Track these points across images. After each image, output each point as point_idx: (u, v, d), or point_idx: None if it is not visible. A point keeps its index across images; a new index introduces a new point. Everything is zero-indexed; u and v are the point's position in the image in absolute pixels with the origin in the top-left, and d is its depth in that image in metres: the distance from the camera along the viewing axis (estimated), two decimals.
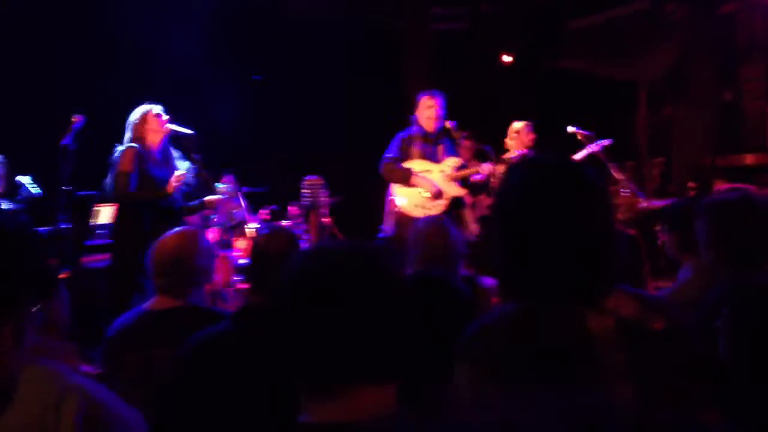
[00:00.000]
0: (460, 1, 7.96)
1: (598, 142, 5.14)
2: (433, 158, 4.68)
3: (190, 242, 2.28)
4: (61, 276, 3.98)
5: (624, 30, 7.53)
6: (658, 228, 2.68)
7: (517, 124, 5.45)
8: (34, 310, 1.14)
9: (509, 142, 5.41)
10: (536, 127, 5.47)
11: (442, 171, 4.65)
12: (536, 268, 1.18)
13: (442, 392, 1.22)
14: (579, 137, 5.22)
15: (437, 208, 4.55)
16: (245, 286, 4.70)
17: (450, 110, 4.67)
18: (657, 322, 1.14)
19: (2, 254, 1.10)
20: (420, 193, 4.61)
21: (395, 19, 7.84)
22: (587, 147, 5.14)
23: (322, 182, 6.31)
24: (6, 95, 5.37)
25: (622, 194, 5.36)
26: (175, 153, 4.10)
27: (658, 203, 5.33)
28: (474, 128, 5.38)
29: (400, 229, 4.54)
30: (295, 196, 6.29)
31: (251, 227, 5.51)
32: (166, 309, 2.21)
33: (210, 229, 5.31)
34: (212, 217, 5.15)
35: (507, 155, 5.24)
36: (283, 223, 5.86)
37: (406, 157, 4.65)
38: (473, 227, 5.09)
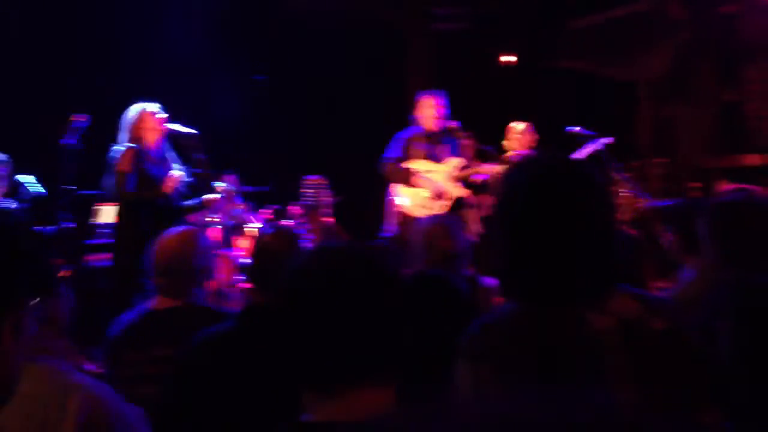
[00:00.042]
0: (461, 1, 7.96)
1: (599, 140, 5.14)
2: (436, 158, 4.67)
3: (189, 242, 2.28)
4: (63, 275, 3.99)
5: (625, 30, 7.53)
6: (661, 228, 2.68)
7: (518, 125, 5.45)
8: (34, 307, 1.14)
9: (507, 143, 5.40)
10: (537, 128, 5.46)
11: (445, 171, 4.65)
12: (537, 268, 1.18)
13: (442, 392, 1.22)
14: (580, 137, 5.22)
15: (440, 208, 4.55)
16: (247, 285, 4.70)
17: (451, 110, 4.66)
18: (658, 323, 1.14)
19: (1, 252, 1.10)
20: (422, 193, 4.61)
21: (396, 19, 7.84)
22: (588, 146, 5.14)
23: (324, 182, 6.31)
24: (8, 95, 5.38)
25: (624, 194, 5.35)
26: (170, 152, 4.08)
27: (661, 203, 5.33)
28: (474, 128, 5.38)
29: (402, 229, 4.54)
30: (296, 196, 6.29)
31: (253, 227, 5.51)
32: (166, 309, 2.21)
33: (211, 229, 5.31)
34: (213, 216, 5.15)
35: (507, 155, 5.23)
36: (285, 222, 5.86)
37: (409, 157, 4.64)
38: (476, 227, 5.08)
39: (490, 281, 2.69)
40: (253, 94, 7.26)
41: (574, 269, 1.16)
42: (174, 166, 4.04)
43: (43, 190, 4.74)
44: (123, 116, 3.98)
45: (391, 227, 4.81)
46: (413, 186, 4.59)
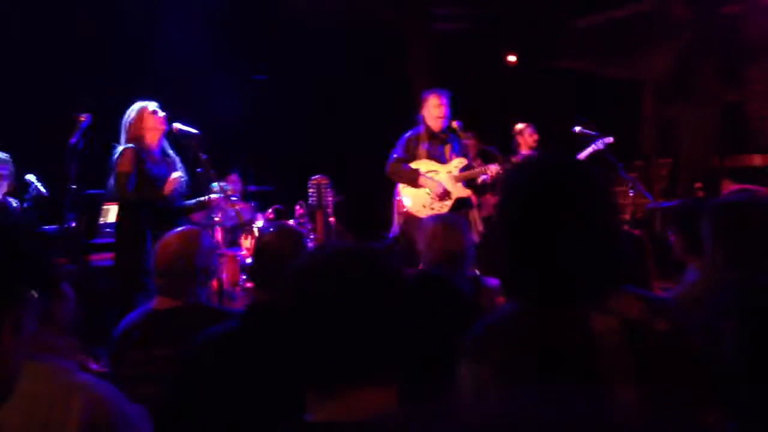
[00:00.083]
0: (462, 1, 7.95)
1: (602, 140, 5.13)
2: (441, 158, 4.66)
3: (190, 242, 2.28)
4: (66, 274, 3.99)
5: (629, 30, 7.52)
6: (664, 228, 2.68)
7: (520, 126, 5.46)
8: (34, 305, 1.14)
9: (515, 143, 5.41)
10: (540, 128, 5.46)
11: (449, 172, 4.64)
12: (539, 269, 1.17)
13: (443, 392, 1.22)
14: (583, 137, 5.22)
15: (443, 208, 4.55)
16: (252, 284, 4.71)
17: (453, 110, 4.66)
18: (661, 324, 1.14)
19: (1, 250, 1.11)
20: (426, 193, 4.60)
21: (396, 19, 7.84)
22: (591, 146, 5.13)
23: (328, 181, 6.31)
24: (12, 94, 5.39)
25: (628, 194, 5.34)
26: (170, 151, 4.08)
27: (664, 204, 5.32)
28: (476, 128, 5.38)
29: (407, 230, 4.54)
30: (300, 196, 6.30)
31: (258, 226, 5.52)
32: (167, 309, 2.22)
33: (215, 229, 5.32)
34: (216, 216, 5.16)
35: (512, 156, 5.24)
36: (289, 222, 5.87)
37: (413, 157, 4.63)
38: (478, 227, 5.08)
39: (493, 281, 2.69)
40: (253, 94, 7.26)
41: (575, 269, 1.16)
42: (177, 166, 4.04)
43: (44, 190, 4.76)
44: (123, 116, 3.97)
45: (396, 227, 4.81)
46: (418, 186, 4.59)
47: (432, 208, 4.53)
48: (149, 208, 3.84)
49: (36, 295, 1.14)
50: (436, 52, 7.84)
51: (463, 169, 4.67)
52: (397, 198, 4.74)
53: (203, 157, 4.03)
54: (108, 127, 3.98)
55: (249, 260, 5.13)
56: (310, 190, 6.28)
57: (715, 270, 1.97)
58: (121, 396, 1.26)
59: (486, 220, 5.14)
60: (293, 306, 1.05)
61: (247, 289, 4.96)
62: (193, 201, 4.14)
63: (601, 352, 1.11)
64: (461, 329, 1.27)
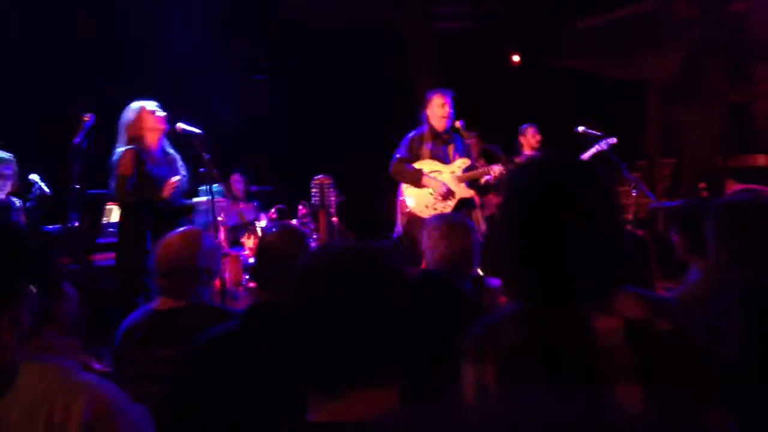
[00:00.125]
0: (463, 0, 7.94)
1: (605, 140, 5.12)
2: (444, 158, 4.65)
3: (192, 243, 2.28)
4: (69, 273, 4.00)
5: (634, 30, 7.50)
6: (667, 229, 2.67)
7: (523, 127, 5.45)
8: (33, 301, 1.15)
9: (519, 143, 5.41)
10: (543, 128, 5.45)
11: (452, 172, 4.64)
12: (543, 269, 1.17)
13: (445, 392, 1.22)
14: (587, 137, 5.21)
15: (446, 208, 4.54)
16: (255, 284, 4.71)
17: (455, 109, 4.65)
18: (664, 324, 1.14)
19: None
20: (430, 193, 4.60)
21: (396, 19, 7.84)
22: (595, 146, 5.12)
23: (331, 181, 6.32)
24: (14, 95, 5.41)
25: (631, 194, 5.33)
26: (170, 149, 4.07)
27: (667, 204, 5.31)
28: (479, 128, 5.37)
29: (410, 230, 4.53)
30: (303, 196, 6.30)
31: (262, 226, 5.53)
32: (169, 309, 2.22)
33: (218, 228, 5.33)
34: (219, 216, 5.17)
35: (517, 157, 5.23)
36: (292, 222, 5.87)
37: (417, 157, 4.63)
38: (482, 228, 5.08)
39: (495, 281, 2.68)
40: (254, 94, 7.27)
41: (578, 270, 1.15)
42: (178, 164, 4.04)
43: (48, 190, 4.77)
44: (121, 116, 3.96)
45: (400, 227, 4.80)
46: (422, 186, 4.58)
47: (435, 209, 4.52)
48: (149, 208, 3.84)
49: (34, 291, 1.15)
50: (438, 52, 7.83)
51: (467, 169, 4.66)
52: (400, 198, 4.73)
53: (206, 156, 4.03)
54: (108, 127, 3.98)
55: (252, 260, 5.13)
56: (313, 190, 6.29)
57: (719, 270, 1.97)
58: (123, 395, 1.26)
59: (488, 220, 5.13)
60: (296, 306, 1.05)
61: (250, 288, 4.97)
62: (191, 201, 4.14)
63: (603, 352, 1.11)
64: (463, 329, 1.27)
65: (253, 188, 6.58)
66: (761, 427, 1.46)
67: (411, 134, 4.68)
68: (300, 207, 6.16)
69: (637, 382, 1.09)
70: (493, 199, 5.26)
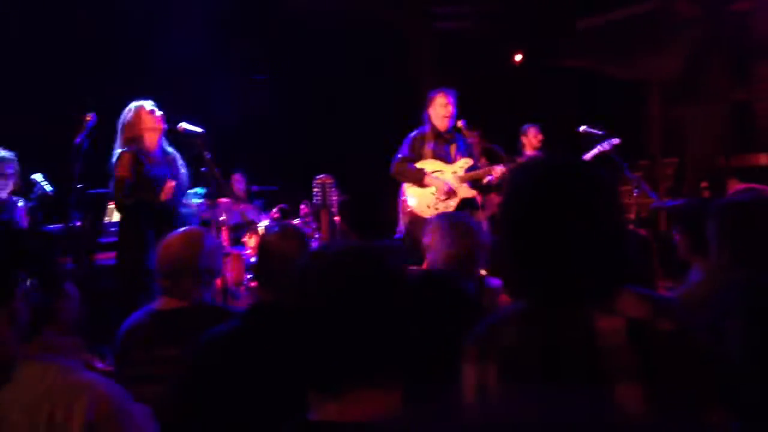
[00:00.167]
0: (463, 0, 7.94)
1: (608, 140, 5.11)
2: (446, 158, 4.65)
3: (193, 243, 2.28)
4: (71, 273, 4.00)
5: (636, 29, 7.48)
6: (670, 228, 2.67)
7: (525, 127, 5.45)
8: (31, 297, 1.15)
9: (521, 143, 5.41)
10: (545, 127, 5.44)
11: (454, 172, 4.63)
12: (544, 269, 1.17)
13: (447, 392, 1.21)
14: (589, 137, 5.20)
15: (448, 208, 4.53)
16: (256, 283, 4.71)
17: (457, 109, 4.64)
18: (666, 323, 1.14)
19: None
20: (431, 193, 4.59)
21: (396, 19, 7.83)
22: (597, 146, 5.11)
23: (333, 181, 6.32)
24: (16, 94, 5.41)
25: (633, 194, 5.32)
26: (169, 148, 4.06)
27: (670, 203, 5.30)
28: (480, 128, 5.37)
29: (412, 229, 4.53)
30: (305, 195, 6.30)
31: (264, 226, 5.52)
32: (171, 309, 2.22)
33: (220, 228, 5.33)
34: (221, 215, 5.17)
35: (519, 157, 5.23)
36: (294, 221, 5.87)
37: (419, 156, 4.62)
38: (484, 228, 5.07)
39: (497, 282, 2.68)
40: (254, 94, 7.27)
41: (580, 269, 1.15)
42: (178, 163, 4.03)
43: (49, 190, 4.77)
44: (120, 117, 3.94)
45: (403, 227, 4.80)
46: (424, 186, 4.58)
47: (437, 208, 4.52)
48: (148, 209, 3.83)
49: (31, 286, 1.15)
50: (438, 51, 7.82)
51: (469, 169, 4.65)
52: (402, 198, 4.73)
53: (208, 156, 4.02)
54: (108, 126, 3.98)
55: (253, 259, 5.13)
56: (315, 190, 6.29)
57: (721, 270, 1.96)
58: (126, 395, 1.26)
59: (490, 220, 5.13)
60: (297, 305, 1.05)
61: (252, 288, 4.97)
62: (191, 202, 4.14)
63: (605, 352, 1.11)
64: (464, 329, 1.27)
65: (255, 188, 6.59)
66: (764, 427, 1.45)
67: (413, 134, 4.67)
68: (302, 206, 6.15)
69: (640, 382, 1.09)
70: (495, 199, 5.26)
